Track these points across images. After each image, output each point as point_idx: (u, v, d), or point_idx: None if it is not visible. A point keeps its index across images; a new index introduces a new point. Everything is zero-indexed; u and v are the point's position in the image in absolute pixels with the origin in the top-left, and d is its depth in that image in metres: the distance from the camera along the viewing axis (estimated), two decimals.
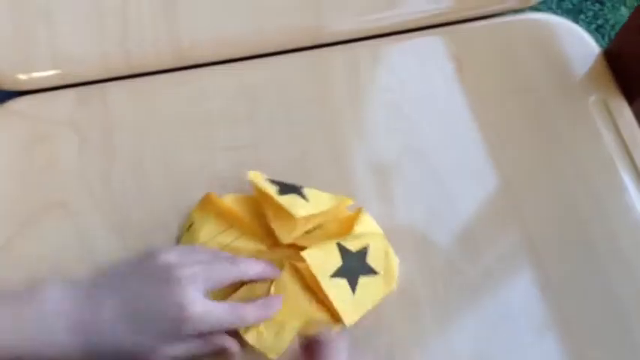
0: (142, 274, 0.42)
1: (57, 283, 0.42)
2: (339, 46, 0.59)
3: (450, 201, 0.54)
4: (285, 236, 0.48)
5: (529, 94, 0.58)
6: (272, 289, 0.48)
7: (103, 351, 0.41)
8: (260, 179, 0.48)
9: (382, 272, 0.50)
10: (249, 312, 0.43)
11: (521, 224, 0.53)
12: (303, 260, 0.48)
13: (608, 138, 0.56)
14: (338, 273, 0.49)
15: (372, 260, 0.50)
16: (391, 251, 0.51)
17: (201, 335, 0.43)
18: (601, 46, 0.61)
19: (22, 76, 0.55)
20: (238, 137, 0.55)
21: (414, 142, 0.56)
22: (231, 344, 0.45)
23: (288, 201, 0.48)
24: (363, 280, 0.49)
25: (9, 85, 0.55)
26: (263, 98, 0.57)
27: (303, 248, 0.49)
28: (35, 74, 0.56)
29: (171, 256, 0.42)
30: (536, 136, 0.57)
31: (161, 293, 0.40)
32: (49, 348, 0.40)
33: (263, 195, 0.48)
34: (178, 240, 0.50)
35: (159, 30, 0.57)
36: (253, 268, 0.45)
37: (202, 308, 0.40)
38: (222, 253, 0.47)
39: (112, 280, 0.42)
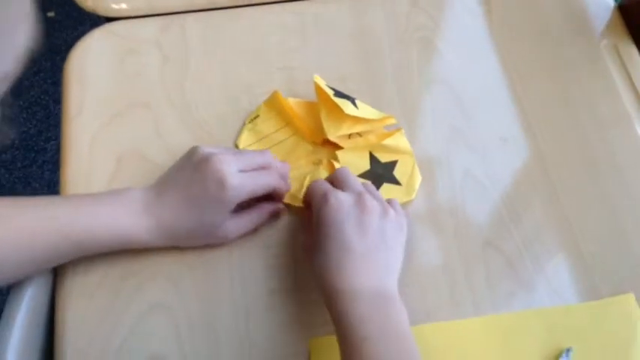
0: (188, 166, 0.51)
1: (136, 188, 0.52)
2: None
3: (471, 124, 0.62)
4: (332, 132, 0.57)
5: (548, 36, 0.66)
6: (307, 178, 0.57)
7: (176, 234, 0.51)
8: (321, 82, 0.58)
9: (404, 184, 0.58)
10: (270, 178, 0.53)
11: (534, 143, 0.61)
12: (338, 159, 0.58)
13: (616, 75, 0.63)
14: (364, 175, 0.58)
15: (397, 173, 0.59)
16: (416, 169, 0.59)
17: (253, 208, 0.53)
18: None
19: (116, 6, 0.67)
20: (291, 60, 0.65)
21: (442, 73, 0.64)
22: (278, 206, 0.55)
23: (341, 102, 0.57)
24: (385, 186, 0.58)
25: (106, 12, 0.67)
26: (312, 32, 0.66)
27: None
28: (127, 5, 0.67)
29: (208, 149, 0.52)
30: (552, 71, 0.64)
31: (203, 177, 0.50)
32: (132, 234, 0.49)
33: (321, 94, 0.57)
34: (240, 131, 0.60)
35: None
36: (276, 165, 0.54)
37: (237, 181, 0.50)
38: (254, 151, 0.57)
39: (170, 176, 0.52)
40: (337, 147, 0.59)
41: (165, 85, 0.63)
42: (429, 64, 0.65)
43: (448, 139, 0.61)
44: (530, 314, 0.53)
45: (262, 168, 0.53)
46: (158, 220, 0.50)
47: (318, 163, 0.59)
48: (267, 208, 0.54)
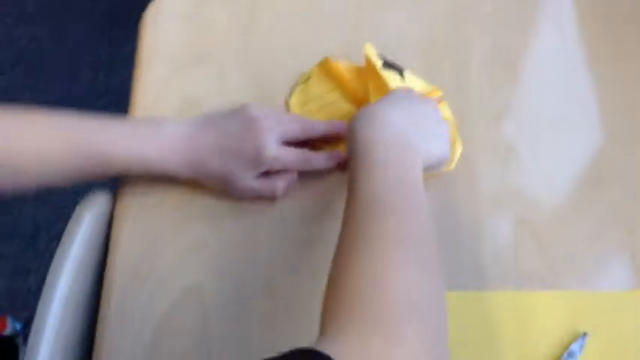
0: (235, 119, 0.55)
1: (172, 120, 0.56)
2: None
3: (524, 102, 0.62)
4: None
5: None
6: None
7: (202, 170, 0.55)
8: (372, 52, 0.59)
9: None
10: (314, 158, 0.56)
11: (591, 126, 0.60)
12: None
13: None
14: None
15: None
16: (458, 139, 0.60)
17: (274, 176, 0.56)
18: None
19: None
20: (353, 23, 0.68)
21: (500, 51, 0.64)
22: (293, 177, 0.57)
23: (387, 74, 0.58)
24: None
25: None
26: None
27: None
28: None
29: (257, 111, 0.55)
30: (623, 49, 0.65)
31: (245, 136, 0.54)
32: (162, 163, 0.54)
33: (369, 64, 0.59)
34: (293, 88, 0.63)
35: None
36: (319, 128, 0.57)
37: (274, 153, 0.54)
38: (299, 117, 0.60)
39: (213, 120, 0.56)
40: None
41: (230, 43, 0.67)
42: (488, 42, 0.65)
43: (498, 115, 0.62)
44: (554, 295, 0.54)
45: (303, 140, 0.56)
46: (191, 153, 0.54)
47: None
48: (286, 177, 0.57)
